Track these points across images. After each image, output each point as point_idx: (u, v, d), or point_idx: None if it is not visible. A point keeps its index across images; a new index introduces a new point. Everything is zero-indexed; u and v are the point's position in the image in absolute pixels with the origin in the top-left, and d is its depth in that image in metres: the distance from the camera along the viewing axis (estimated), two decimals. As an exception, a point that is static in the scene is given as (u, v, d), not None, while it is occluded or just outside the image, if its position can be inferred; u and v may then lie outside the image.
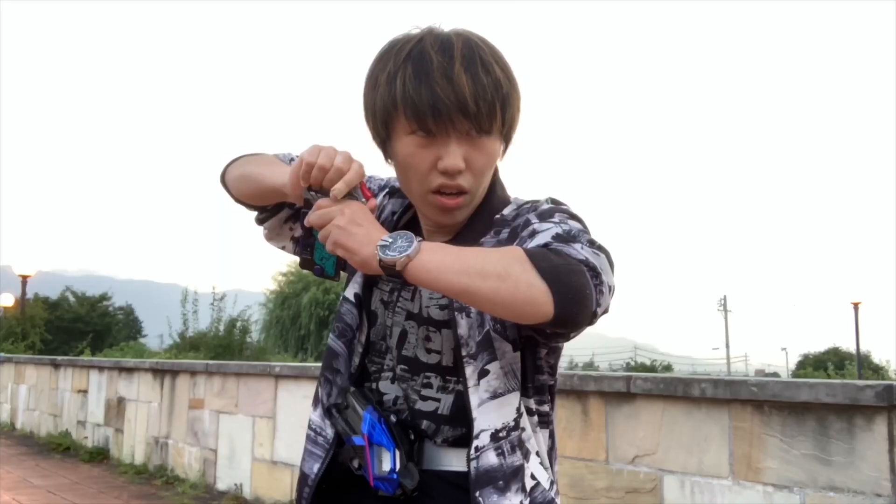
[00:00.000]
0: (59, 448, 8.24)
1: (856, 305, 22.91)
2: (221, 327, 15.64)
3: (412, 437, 1.11)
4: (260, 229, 1.30)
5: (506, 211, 1.15)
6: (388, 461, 1.07)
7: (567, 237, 1.00)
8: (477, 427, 1.04)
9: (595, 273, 0.96)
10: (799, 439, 2.69)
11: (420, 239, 0.97)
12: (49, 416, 9.29)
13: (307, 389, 5.21)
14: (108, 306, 34.94)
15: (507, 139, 1.13)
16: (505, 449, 1.04)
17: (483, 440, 1.04)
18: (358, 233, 0.98)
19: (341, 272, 1.14)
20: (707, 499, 2.93)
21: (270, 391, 5.58)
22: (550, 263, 0.94)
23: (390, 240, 0.97)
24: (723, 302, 54.97)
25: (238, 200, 1.28)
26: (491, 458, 1.04)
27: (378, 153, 1.16)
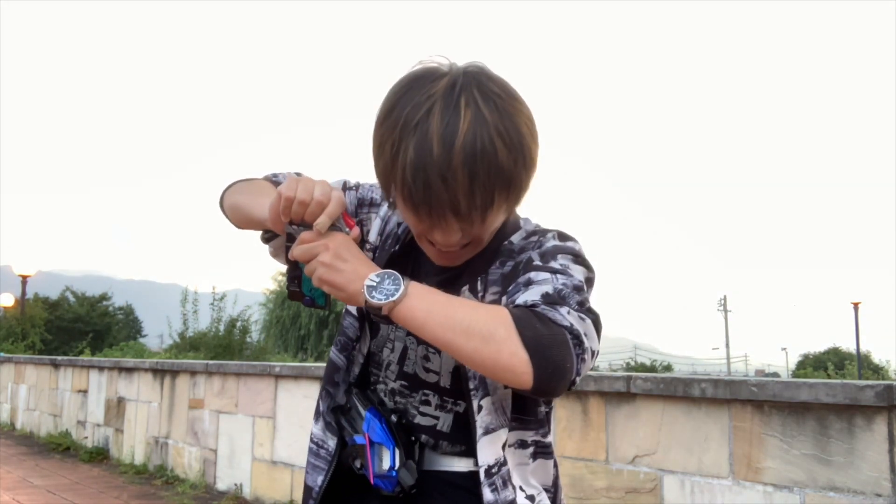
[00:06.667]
0: (59, 448, 8.24)
1: (856, 305, 22.91)
2: (221, 327, 15.67)
3: (413, 437, 1.12)
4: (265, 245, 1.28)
5: (514, 238, 1.13)
6: (387, 459, 1.09)
7: (556, 298, 0.98)
8: (478, 462, 1.07)
9: (579, 342, 0.96)
10: (799, 439, 2.68)
11: (408, 280, 0.97)
12: (49, 416, 9.29)
13: (307, 389, 5.21)
14: (108, 306, 34.94)
15: (510, 208, 1.06)
16: (497, 484, 1.07)
17: (481, 476, 1.07)
18: (344, 269, 0.98)
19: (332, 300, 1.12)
20: (707, 499, 2.93)
21: (270, 391, 5.58)
22: (535, 333, 0.93)
23: (377, 280, 0.97)
24: (723, 302, 55.00)
25: (238, 227, 1.26)
26: (488, 495, 1.06)
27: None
